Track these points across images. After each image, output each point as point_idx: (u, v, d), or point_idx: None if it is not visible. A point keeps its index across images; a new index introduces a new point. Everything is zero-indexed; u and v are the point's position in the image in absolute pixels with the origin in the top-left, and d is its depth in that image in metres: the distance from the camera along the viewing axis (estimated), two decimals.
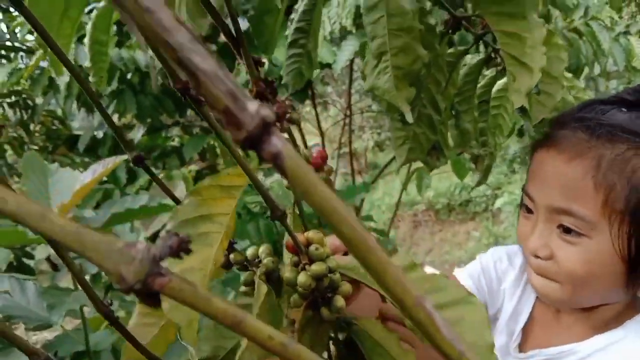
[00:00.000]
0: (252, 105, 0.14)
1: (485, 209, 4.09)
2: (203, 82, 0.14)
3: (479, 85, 0.63)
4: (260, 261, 0.44)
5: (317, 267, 0.40)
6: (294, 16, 0.58)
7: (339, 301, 0.41)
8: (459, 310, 0.41)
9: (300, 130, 2.22)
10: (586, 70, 1.73)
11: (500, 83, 0.66)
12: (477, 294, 0.77)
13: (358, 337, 0.45)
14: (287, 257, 0.43)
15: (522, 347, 0.70)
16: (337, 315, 0.44)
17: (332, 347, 0.48)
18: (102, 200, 1.76)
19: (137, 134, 1.83)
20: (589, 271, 0.58)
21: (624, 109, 0.58)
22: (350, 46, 1.61)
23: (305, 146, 2.21)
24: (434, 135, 0.58)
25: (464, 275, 0.79)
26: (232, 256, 0.44)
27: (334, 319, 0.42)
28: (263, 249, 0.45)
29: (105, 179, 1.63)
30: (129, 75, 1.65)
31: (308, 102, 2.28)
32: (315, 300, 0.41)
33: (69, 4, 0.42)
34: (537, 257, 0.61)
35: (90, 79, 0.73)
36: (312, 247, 0.40)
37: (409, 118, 0.50)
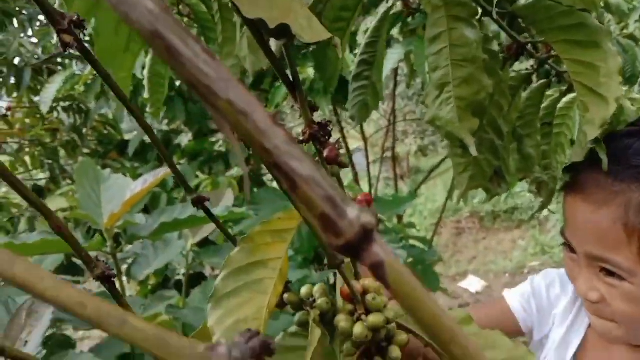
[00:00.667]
0: (352, 212, 0.13)
1: (532, 217, 3.96)
2: (300, 187, 0.13)
3: (541, 107, 0.61)
4: (314, 300, 0.43)
5: (374, 319, 0.38)
6: (358, 50, 0.57)
7: (395, 352, 0.40)
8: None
9: (343, 135, 2.21)
10: None
11: (563, 101, 0.63)
12: (525, 315, 0.76)
13: None
14: (341, 302, 0.42)
15: None
16: None
17: None
18: (149, 203, 1.80)
19: (185, 139, 1.86)
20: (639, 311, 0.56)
21: (635, 139, 0.55)
22: (395, 55, 1.59)
23: (348, 151, 2.20)
24: (496, 161, 0.55)
25: (515, 296, 0.78)
26: (286, 296, 0.43)
27: None
28: (317, 289, 0.44)
29: None
30: (177, 83, 1.69)
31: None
32: (369, 349, 0.40)
33: (131, 38, 0.42)
34: (588, 300, 0.59)
35: (148, 109, 0.75)
36: (369, 297, 0.39)
37: (473, 151, 0.48)
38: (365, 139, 2.17)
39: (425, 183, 4.44)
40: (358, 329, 0.38)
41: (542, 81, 0.59)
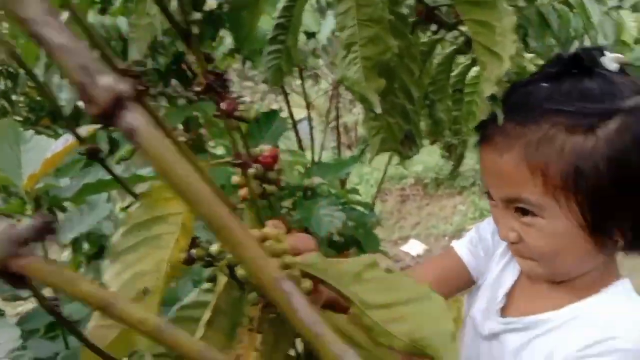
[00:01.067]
0: (106, 80, 0.13)
1: (473, 183, 4.12)
2: (57, 57, 0.13)
3: (452, 74, 0.63)
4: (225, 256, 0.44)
5: None
6: (276, 13, 0.57)
7: None
8: (418, 306, 0.42)
9: (287, 103, 2.19)
10: (575, 44, 1.71)
11: (474, 70, 0.66)
12: (474, 262, 0.80)
13: None
14: None
15: (504, 312, 0.72)
16: None
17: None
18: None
19: None
20: (555, 247, 0.61)
21: (545, 84, 0.59)
22: (332, 19, 1.58)
23: (293, 119, 2.19)
24: (407, 125, 0.57)
25: (463, 245, 0.82)
26: (193, 251, 0.44)
27: None
28: None
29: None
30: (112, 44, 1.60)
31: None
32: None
33: None
34: (509, 242, 0.64)
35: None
36: (267, 243, 0.40)
37: (378, 109, 0.49)
38: (308, 107, 2.16)
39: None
40: None
41: (452, 47, 0.61)
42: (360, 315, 0.42)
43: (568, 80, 0.59)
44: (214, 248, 0.45)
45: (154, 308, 0.40)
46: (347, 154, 3.94)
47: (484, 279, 0.78)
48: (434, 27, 0.57)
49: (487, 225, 0.81)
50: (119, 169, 0.96)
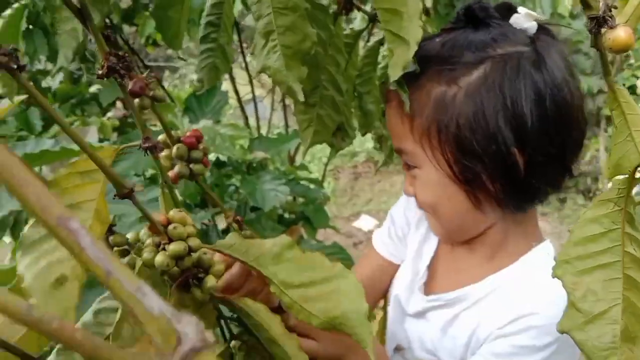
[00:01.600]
0: None
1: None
2: None
3: (380, 67, 0.64)
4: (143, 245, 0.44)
5: (174, 247, 0.40)
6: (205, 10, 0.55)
7: (210, 281, 0.42)
8: (333, 284, 0.44)
9: (232, 81, 2.15)
10: None
11: None
12: (392, 247, 0.80)
13: (256, 329, 0.47)
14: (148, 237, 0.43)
15: (427, 287, 0.72)
16: (222, 297, 0.45)
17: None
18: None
19: (56, 81, 1.71)
20: (435, 197, 0.62)
21: (438, 39, 0.60)
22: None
23: (238, 97, 2.16)
24: (338, 117, 0.58)
25: (378, 237, 0.82)
26: (111, 238, 0.44)
27: (207, 299, 0.43)
28: (145, 231, 0.45)
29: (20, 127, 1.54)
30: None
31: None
32: (187, 281, 0.42)
33: None
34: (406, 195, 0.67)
35: None
36: (171, 227, 0.41)
37: (300, 97, 0.50)
38: (251, 82, 2.10)
39: None
40: (159, 257, 0.40)
41: (376, 39, 0.62)
42: (279, 294, 0.44)
43: (452, 32, 0.59)
44: (132, 235, 0.45)
45: (74, 294, 0.40)
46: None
47: (406, 255, 0.78)
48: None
49: (398, 205, 0.82)
50: (45, 144, 0.93)
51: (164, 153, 0.47)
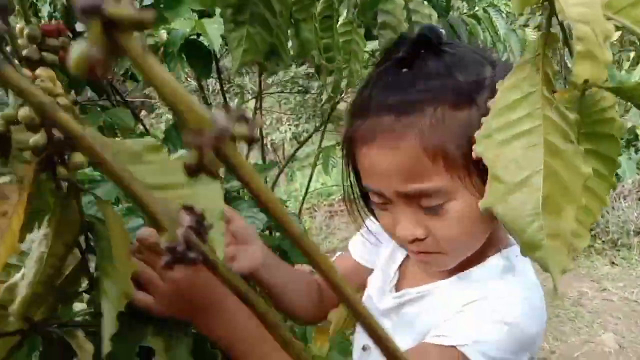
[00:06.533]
0: None
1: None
2: None
3: (322, 0, 0.63)
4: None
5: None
6: None
7: (77, 157, 0.38)
8: (194, 188, 0.42)
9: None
10: None
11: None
12: (365, 252, 0.81)
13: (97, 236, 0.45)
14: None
15: (397, 287, 0.73)
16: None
17: None
18: None
19: None
20: (464, 229, 0.59)
21: (404, 70, 0.58)
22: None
23: None
24: (269, 37, 0.56)
25: (354, 242, 0.84)
26: None
27: (74, 181, 0.39)
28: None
29: None
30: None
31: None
32: (50, 159, 0.38)
33: None
34: (414, 240, 0.60)
35: None
36: (38, 81, 0.37)
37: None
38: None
39: (300, 170, 4.49)
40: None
41: None
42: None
43: (424, 60, 0.58)
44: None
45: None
46: (275, 172, 3.92)
47: (378, 260, 0.79)
48: None
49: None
50: None
51: (19, 25, 0.44)
